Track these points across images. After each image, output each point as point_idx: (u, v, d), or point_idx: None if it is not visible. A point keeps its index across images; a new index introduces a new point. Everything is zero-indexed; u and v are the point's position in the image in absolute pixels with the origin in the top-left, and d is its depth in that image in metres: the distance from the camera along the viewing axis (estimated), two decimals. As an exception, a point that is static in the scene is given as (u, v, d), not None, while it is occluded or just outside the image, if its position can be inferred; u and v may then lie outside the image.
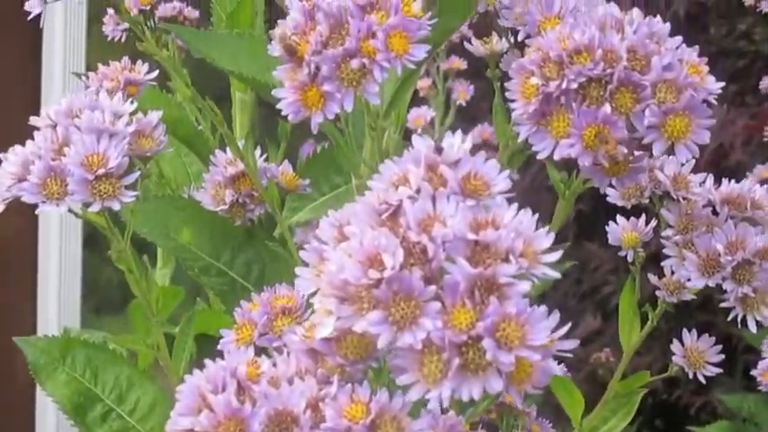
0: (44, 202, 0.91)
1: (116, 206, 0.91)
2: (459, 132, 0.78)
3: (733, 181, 1.06)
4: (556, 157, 0.84)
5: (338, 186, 1.23)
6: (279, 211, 1.06)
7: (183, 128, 1.23)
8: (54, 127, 0.94)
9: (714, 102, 0.84)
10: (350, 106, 0.84)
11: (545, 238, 0.71)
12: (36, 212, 0.91)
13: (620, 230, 1.08)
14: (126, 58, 1.15)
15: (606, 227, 1.07)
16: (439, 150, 0.77)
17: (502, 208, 0.73)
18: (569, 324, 0.70)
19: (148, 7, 1.16)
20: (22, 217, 3.34)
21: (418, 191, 0.74)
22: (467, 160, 0.76)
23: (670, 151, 0.85)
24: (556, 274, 0.70)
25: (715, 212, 1.03)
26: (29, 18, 0.96)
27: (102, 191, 0.91)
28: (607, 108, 0.82)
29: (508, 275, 0.68)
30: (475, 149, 1.99)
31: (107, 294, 3.35)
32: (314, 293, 0.75)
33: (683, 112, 0.82)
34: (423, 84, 2.14)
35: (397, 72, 0.83)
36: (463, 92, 2.20)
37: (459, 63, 2.16)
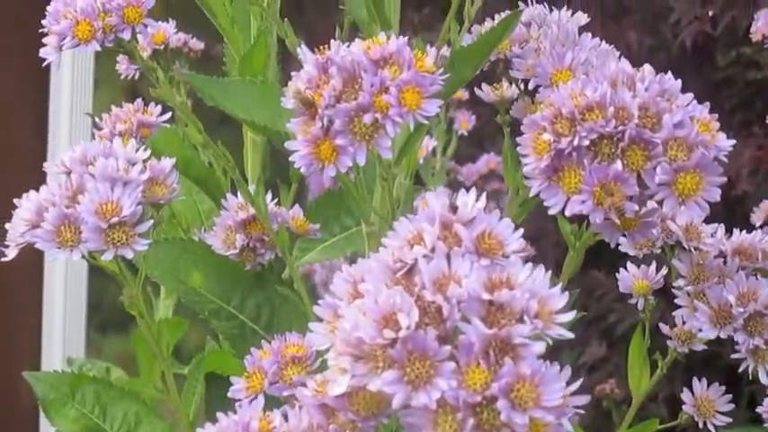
0: (57, 249, 0.91)
1: (129, 254, 0.91)
2: (473, 190, 0.78)
3: (744, 232, 1.07)
4: (567, 213, 0.84)
5: (348, 228, 1.23)
6: (289, 256, 1.06)
7: (195, 168, 1.23)
8: (68, 174, 0.95)
9: (725, 159, 0.85)
10: (362, 160, 0.84)
11: (559, 298, 0.71)
12: (50, 259, 0.91)
13: (631, 278, 1.09)
14: (139, 100, 1.16)
15: (611, 254, 1.07)
16: (453, 208, 0.77)
17: (516, 267, 0.74)
18: (579, 381, 0.71)
19: (162, 46, 1.17)
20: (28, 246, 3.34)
21: (433, 249, 0.75)
22: (481, 219, 0.76)
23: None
24: (570, 335, 0.71)
25: (726, 263, 1.04)
26: (43, 64, 0.97)
27: (115, 239, 0.91)
28: (618, 165, 0.83)
29: (523, 336, 0.69)
30: (483, 179, 2.00)
31: (111, 313, 3.35)
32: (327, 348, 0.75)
33: (693, 170, 0.83)
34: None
35: (410, 127, 0.84)
36: (464, 121, 2.21)
37: (460, 93, 2.17)
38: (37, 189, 0.94)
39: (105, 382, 1.17)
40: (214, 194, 1.25)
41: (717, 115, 0.85)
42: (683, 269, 1.03)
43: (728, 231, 1.09)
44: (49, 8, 0.98)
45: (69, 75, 3.22)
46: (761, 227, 2.06)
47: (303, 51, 0.88)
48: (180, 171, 1.26)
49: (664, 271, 1.08)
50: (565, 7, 1.10)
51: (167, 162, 0.97)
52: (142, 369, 1.30)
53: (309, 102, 0.84)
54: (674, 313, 1.03)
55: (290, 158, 0.86)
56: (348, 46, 0.86)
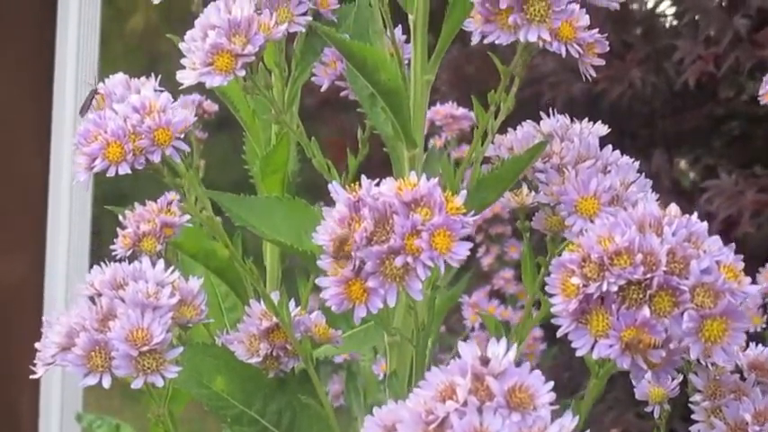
0: (87, 374, 0.93)
1: (159, 382, 0.93)
2: (503, 341, 0.79)
3: (760, 345, 1.08)
4: (594, 356, 0.85)
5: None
6: (312, 365, 1.08)
7: (215, 260, 1.25)
8: (98, 296, 0.96)
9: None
10: (393, 301, 0.86)
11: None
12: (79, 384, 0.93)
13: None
14: (164, 197, 1.17)
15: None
16: (485, 361, 0.78)
17: (546, 421, 0.75)
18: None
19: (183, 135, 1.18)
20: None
21: (465, 404, 0.76)
22: (512, 372, 0.78)
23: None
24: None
25: (743, 378, 1.05)
26: (74, 182, 0.98)
27: (145, 366, 0.92)
28: (646, 311, 0.84)
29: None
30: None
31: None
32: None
33: (720, 317, 0.84)
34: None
35: (441, 271, 0.85)
36: (473, 179, 2.21)
37: (468, 152, 2.17)
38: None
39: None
40: (234, 285, 1.26)
41: (742, 262, 0.86)
42: (700, 384, 1.05)
43: None
44: (79, 128, 0.99)
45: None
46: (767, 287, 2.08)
47: (335, 189, 0.89)
48: (201, 262, 1.27)
49: (680, 378, 1.09)
50: (586, 119, 1.12)
51: (195, 283, 0.98)
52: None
53: (343, 244, 0.85)
54: (690, 429, 1.04)
55: (320, 295, 0.88)
56: (378, 184, 0.88)
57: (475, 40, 0.89)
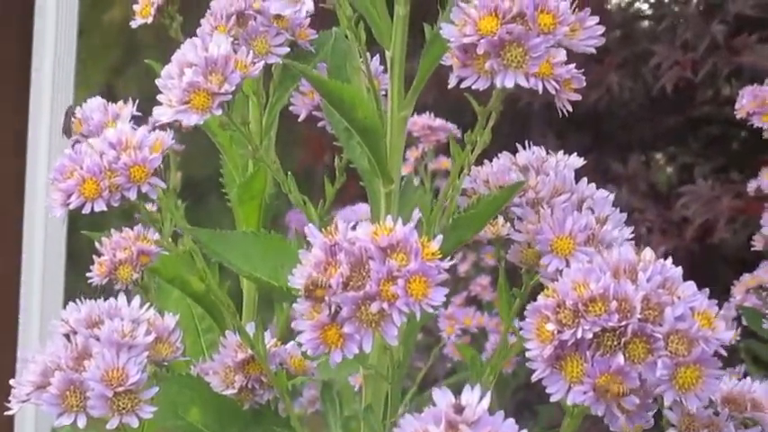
0: (62, 414, 0.93)
1: (134, 423, 0.93)
2: (477, 387, 0.80)
3: (734, 378, 1.08)
4: (569, 402, 0.86)
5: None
6: (287, 397, 1.08)
7: (191, 286, 1.24)
8: (73, 333, 0.96)
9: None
10: (369, 347, 0.86)
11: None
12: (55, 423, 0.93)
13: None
14: (139, 227, 1.17)
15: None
16: (458, 409, 0.79)
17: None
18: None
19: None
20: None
21: (439, 453, 0.76)
22: (486, 420, 0.78)
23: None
24: None
25: (717, 413, 1.06)
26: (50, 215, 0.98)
27: (121, 406, 0.92)
28: (620, 359, 0.85)
29: None
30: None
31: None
32: None
33: (694, 364, 0.85)
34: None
35: (416, 317, 0.85)
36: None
37: (446, 163, 2.18)
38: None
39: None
40: (211, 310, 1.26)
41: (717, 308, 0.87)
42: (674, 419, 1.05)
43: (705, 284, 1.10)
44: (55, 163, 0.99)
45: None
46: (740, 300, 2.09)
47: (312, 232, 0.89)
48: (177, 287, 1.27)
49: (654, 409, 1.10)
50: (561, 151, 1.12)
51: (171, 320, 0.98)
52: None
53: (318, 290, 0.85)
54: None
55: (296, 340, 0.88)
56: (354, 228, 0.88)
57: (452, 83, 0.89)
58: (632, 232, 1.07)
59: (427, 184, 2.21)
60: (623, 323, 0.85)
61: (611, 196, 1.09)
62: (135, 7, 1.26)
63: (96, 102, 1.25)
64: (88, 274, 1.15)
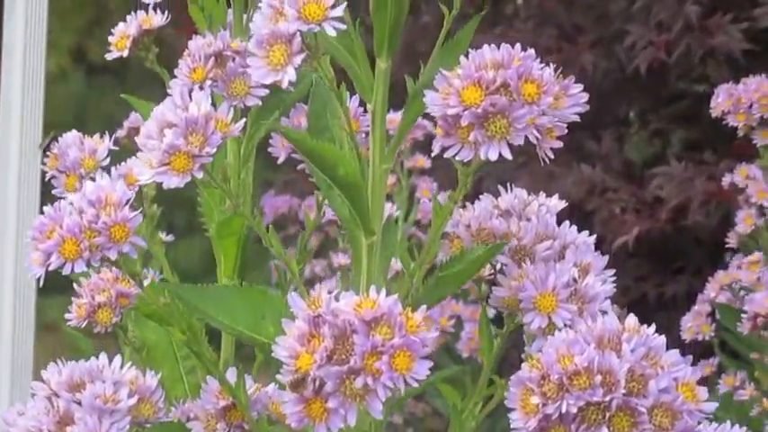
0: (45, 478, 0.92)
1: (118, 487, 0.92)
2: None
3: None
4: (555, 476, 0.86)
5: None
6: (270, 445, 1.08)
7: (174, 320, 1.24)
8: (55, 396, 0.95)
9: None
10: (353, 420, 0.86)
11: None
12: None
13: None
14: (116, 270, 1.16)
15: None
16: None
17: None
18: None
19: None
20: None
21: None
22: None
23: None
24: None
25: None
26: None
27: (103, 471, 0.92)
28: (605, 431, 0.85)
29: None
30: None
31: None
32: None
33: (677, 436, 0.85)
34: (388, 181, 2.16)
35: (400, 391, 0.85)
36: (426, 189, 2.22)
37: (423, 161, 2.18)
38: None
39: None
40: (190, 344, 1.26)
41: (699, 376, 0.87)
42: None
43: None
44: (35, 221, 0.98)
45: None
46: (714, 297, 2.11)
47: (294, 301, 0.89)
48: (156, 322, 1.27)
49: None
50: (543, 193, 1.12)
51: (153, 380, 0.98)
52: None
53: (299, 385, 0.85)
54: None
55: (280, 411, 0.87)
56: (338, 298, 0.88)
57: (435, 152, 0.89)
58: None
59: (404, 181, 2.22)
60: (608, 397, 0.85)
61: (593, 239, 1.10)
62: (110, 39, 1.25)
63: (72, 136, 1.24)
64: (67, 316, 1.15)
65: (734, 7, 3.03)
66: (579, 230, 1.08)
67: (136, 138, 1.01)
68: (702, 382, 0.92)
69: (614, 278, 1.05)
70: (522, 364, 0.89)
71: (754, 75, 2.02)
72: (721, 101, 1.99)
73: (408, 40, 3.09)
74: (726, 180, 2.18)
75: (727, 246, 2.13)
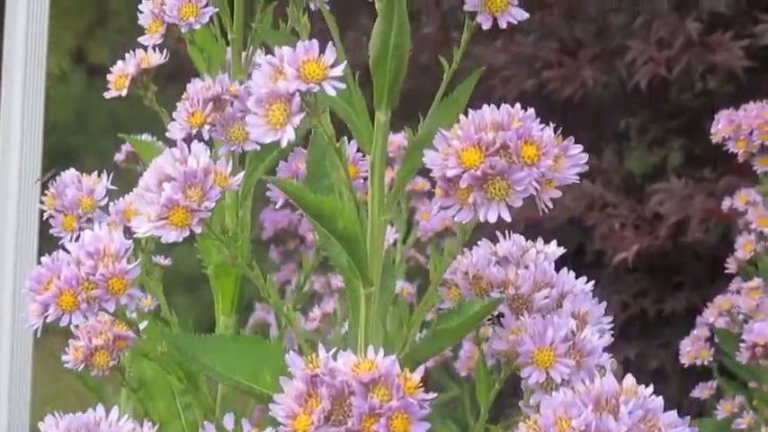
0: None
1: None
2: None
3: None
4: None
5: None
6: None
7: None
8: (52, 448, 0.95)
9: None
10: None
11: None
12: None
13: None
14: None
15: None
16: None
17: None
18: None
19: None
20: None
21: None
22: None
23: None
24: None
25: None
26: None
27: None
28: (603, 495, 0.85)
29: None
30: (438, 236, 1.99)
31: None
32: None
33: (674, 500, 0.85)
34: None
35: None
36: (426, 212, 2.21)
37: (422, 184, 2.18)
38: None
39: None
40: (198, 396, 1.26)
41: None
42: None
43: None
44: (32, 273, 0.97)
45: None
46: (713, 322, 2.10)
47: (292, 361, 0.88)
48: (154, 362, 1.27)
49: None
50: (540, 239, 1.12)
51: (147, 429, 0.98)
52: None
53: None
54: None
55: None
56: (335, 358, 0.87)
57: (434, 213, 0.89)
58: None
59: (403, 204, 2.22)
60: (606, 461, 0.85)
61: (590, 285, 1.09)
62: (109, 77, 1.25)
63: (70, 175, 1.24)
64: (64, 358, 1.14)
65: (735, 24, 3.02)
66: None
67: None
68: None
69: (614, 293, 1.06)
70: (519, 424, 0.89)
71: (754, 91, 2.02)
72: (722, 127, 1.99)
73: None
74: (726, 204, 2.18)
75: (726, 270, 2.13)
